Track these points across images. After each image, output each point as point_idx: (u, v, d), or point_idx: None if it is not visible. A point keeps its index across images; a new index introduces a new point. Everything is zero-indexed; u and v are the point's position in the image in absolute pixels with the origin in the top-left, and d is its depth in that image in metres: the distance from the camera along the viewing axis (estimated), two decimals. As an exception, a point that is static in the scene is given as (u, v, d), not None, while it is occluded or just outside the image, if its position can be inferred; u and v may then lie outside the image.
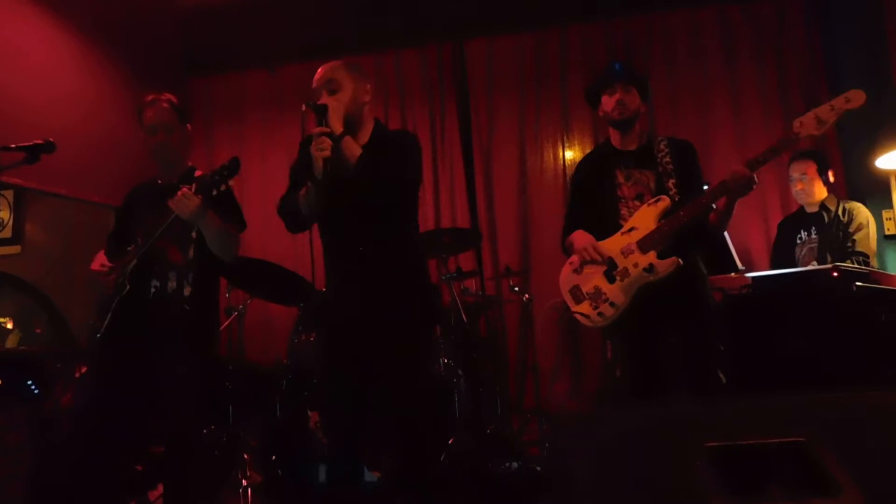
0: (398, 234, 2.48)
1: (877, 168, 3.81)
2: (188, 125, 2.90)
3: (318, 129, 2.32)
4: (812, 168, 3.67)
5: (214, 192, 2.50)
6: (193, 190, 2.51)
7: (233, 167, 2.49)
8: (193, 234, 2.71)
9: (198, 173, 2.88)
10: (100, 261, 2.76)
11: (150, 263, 2.69)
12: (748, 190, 2.53)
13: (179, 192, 2.52)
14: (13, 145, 2.68)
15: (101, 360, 2.73)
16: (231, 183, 2.51)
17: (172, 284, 2.70)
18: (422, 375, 2.45)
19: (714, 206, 2.61)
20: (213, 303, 2.89)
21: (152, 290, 2.70)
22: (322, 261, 2.57)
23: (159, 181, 2.88)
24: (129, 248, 2.71)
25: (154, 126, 2.78)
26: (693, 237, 2.64)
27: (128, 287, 2.65)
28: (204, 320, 2.80)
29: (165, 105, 2.80)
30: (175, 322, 2.67)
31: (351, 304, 2.44)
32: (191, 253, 2.73)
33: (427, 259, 2.74)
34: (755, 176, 2.53)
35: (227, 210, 2.75)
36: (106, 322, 2.66)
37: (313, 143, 2.31)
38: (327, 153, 2.28)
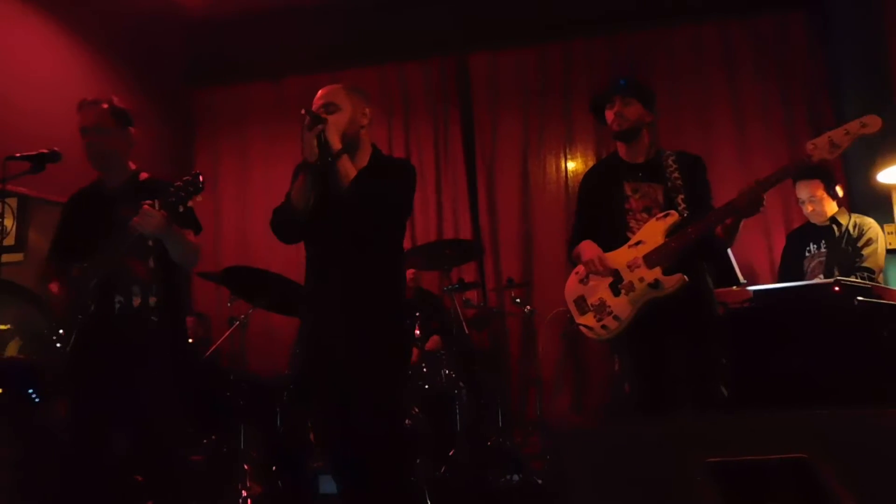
0: (380, 255, 2.46)
1: (878, 182, 3.82)
2: (130, 128, 2.79)
3: (307, 112, 2.31)
4: (820, 189, 3.65)
5: (181, 209, 2.46)
6: (158, 206, 2.45)
7: (197, 184, 2.44)
8: (150, 243, 2.62)
9: (143, 176, 2.81)
10: (56, 284, 2.64)
11: (112, 279, 2.61)
12: (756, 211, 2.51)
13: (143, 209, 2.45)
14: (19, 154, 2.70)
15: (75, 377, 2.64)
16: (198, 199, 2.47)
17: (137, 298, 2.63)
18: (388, 400, 2.40)
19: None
20: (180, 310, 2.88)
21: (117, 305, 2.62)
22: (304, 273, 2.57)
23: (105, 185, 2.80)
24: (85, 266, 2.58)
25: (86, 127, 2.71)
26: (699, 253, 2.63)
27: (92, 307, 2.58)
28: (173, 328, 2.77)
29: (104, 106, 2.73)
30: (145, 335, 2.62)
31: (325, 319, 2.43)
32: (151, 263, 2.66)
33: (405, 281, 2.74)
34: (764, 197, 2.52)
35: (186, 218, 2.65)
36: (72, 340, 2.57)
37: (306, 125, 2.30)
38: (321, 131, 2.28)
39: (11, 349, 3.83)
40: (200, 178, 2.46)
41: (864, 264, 3.51)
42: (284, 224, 2.49)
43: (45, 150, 2.69)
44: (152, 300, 2.64)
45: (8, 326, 3.79)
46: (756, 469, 1.35)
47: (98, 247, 2.56)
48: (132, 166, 2.83)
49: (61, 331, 2.61)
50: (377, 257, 2.44)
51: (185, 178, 2.46)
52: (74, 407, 2.68)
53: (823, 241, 3.68)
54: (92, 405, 2.60)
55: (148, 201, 2.46)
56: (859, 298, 2.98)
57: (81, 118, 2.73)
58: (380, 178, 2.43)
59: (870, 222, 3.64)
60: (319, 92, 2.52)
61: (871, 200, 4.19)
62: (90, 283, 2.57)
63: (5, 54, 4.10)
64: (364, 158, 2.52)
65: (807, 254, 3.75)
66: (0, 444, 2.98)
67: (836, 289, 3.01)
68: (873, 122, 2.41)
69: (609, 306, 2.66)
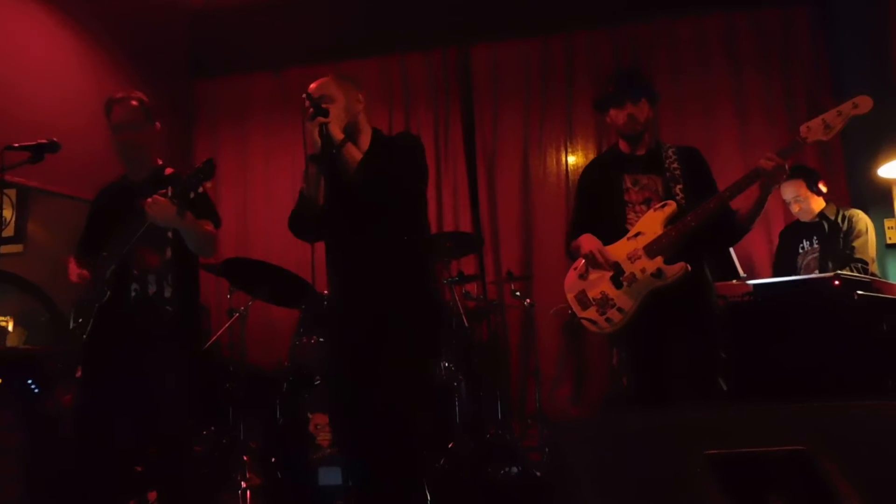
0: (403, 236, 2.44)
1: (879, 177, 3.83)
2: (156, 124, 2.85)
3: (307, 97, 2.29)
4: (802, 187, 3.68)
5: (191, 196, 2.48)
6: (169, 194, 2.48)
7: (208, 170, 2.47)
8: (169, 235, 2.68)
9: (168, 171, 2.85)
10: (75, 271, 2.70)
11: (128, 267, 2.66)
12: (770, 184, 2.52)
13: (152, 199, 2.48)
14: (17, 144, 2.69)
15: (89, 364, 2.70)
16: (208, 185, 2.50)
17: (153, 287, 2.68)
18: (422, 381, 2.41)
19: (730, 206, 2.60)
20: (195, 301, 2.88)
21: (132, 293, 2.67)
22: (324, 265, 2.55)
23: (130, 180, 2.84)
24: (104, 254, 2.66)
25: (121, 124, 2.75)
26: (702, 242, 2.63)
27: (108, 293, 2.62)
28: (188, 319, 2.79)
29: (134, 103, 2.77)
30: (159, 324, 2.66)
31: (353, 307, 2.42)
32: (168, 253, 2.71)
33: (434, 260, 2.70)
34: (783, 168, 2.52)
35: (203, 208, 2.70)
36: (89, 327, 2.63)
37: (308, 116, 2.29)
38: (322, 123, 2.28)
39: (12, 339, 3.83)
40: (211, 165, 2.48)
41: (856, 256, 3.54)
42: (302, 221, 2.46)
43: (43, 141, 2.70)
44: (168, 290, 2.68)
45: (9, 317, 3.80)
46: (756, 461, 1.35)
47: (116, 237, 2.61)
48: (158, 161, 2.88)
49: (80, 319, 2.67)
50: (399, 242, 2.41)
51: (197, 167, 2.50)
52: (86, 392, 2.71)
53: (815, 238, 3.70)
54: (104, 391, 2.62)
55: (161, 191, 2.50)
56: (859, 292, 2.98)
57: (114, 116, 2.76)
58: (386, 156, 2.41)
59: (858, 214, 3.67)
60: (311, 87, 2.48)
61: (871, 195, 4.20)
62: (107, 272, 2.62)
63: (4, 43, 4.08)
64: (366, 142, 2.51)
65: (800, 251, 3.77)
66: (2, 434, 2.99)
67: (836, 283, 3.01)
68: (864, 103, 2.43)
69: (612, 299, 2.66)
